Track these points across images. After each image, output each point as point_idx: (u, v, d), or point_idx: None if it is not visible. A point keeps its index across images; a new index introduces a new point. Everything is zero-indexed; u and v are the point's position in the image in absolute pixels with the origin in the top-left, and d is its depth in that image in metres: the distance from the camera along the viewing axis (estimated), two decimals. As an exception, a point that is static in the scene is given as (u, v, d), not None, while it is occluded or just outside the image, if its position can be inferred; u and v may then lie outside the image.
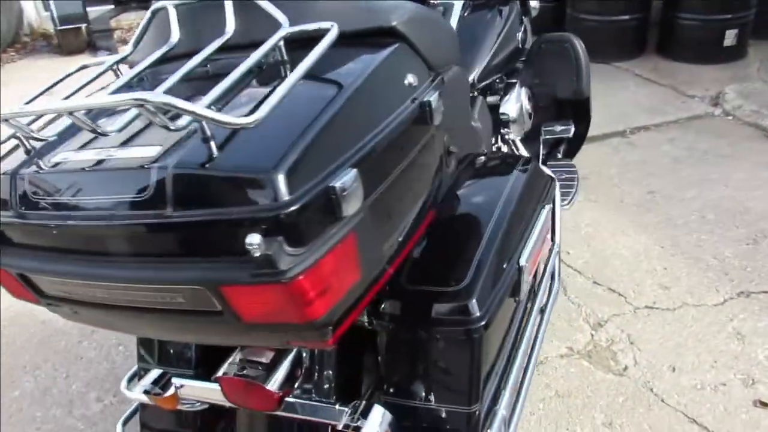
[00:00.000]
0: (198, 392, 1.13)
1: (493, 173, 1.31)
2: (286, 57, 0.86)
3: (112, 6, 6.03)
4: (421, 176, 0.94)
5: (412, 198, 0.91)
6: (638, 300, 2.14)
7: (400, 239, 0.89)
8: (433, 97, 0.91)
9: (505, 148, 2.17)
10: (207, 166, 0.68)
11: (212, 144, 0.69)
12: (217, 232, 0.67)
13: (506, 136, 2.06)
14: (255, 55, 0.80)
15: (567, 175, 2.25)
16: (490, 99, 1.99)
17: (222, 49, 0.91)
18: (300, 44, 0.91)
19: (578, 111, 2.31)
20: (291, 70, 0.79)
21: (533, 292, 1.30)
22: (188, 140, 0.73)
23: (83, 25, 5.45)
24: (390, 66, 0.88)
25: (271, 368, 1.03)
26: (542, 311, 1.39)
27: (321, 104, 0.75)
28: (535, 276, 1.31)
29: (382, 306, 1.05)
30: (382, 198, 0.80)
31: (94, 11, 5.86)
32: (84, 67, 1.04)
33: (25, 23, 5.83)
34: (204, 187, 0.68)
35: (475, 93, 1.89)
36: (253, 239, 0.63)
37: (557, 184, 1.48)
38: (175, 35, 0.96)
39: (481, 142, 1.66)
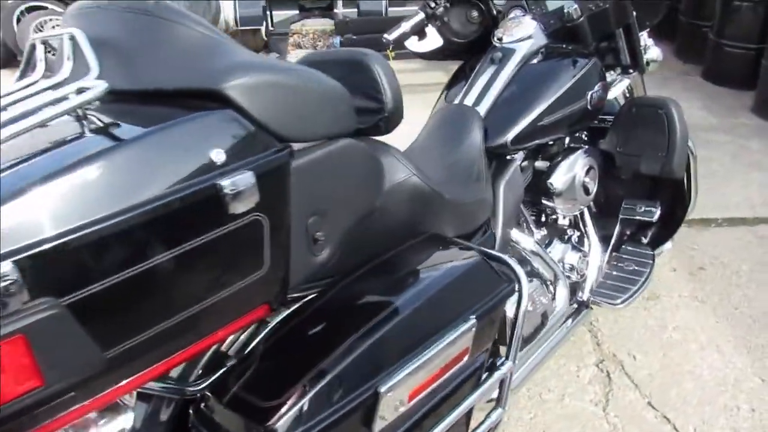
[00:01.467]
0: None
1: (409, 267, 1.09)
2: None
3: (297, 12, 6.45)
4: (210, 270, 0.77)
5: (186, 295, 0.76)
6: (695, 443, 1.68)
7: (162, 341, 0.75)
8: (230, 180, 0.74)
9: (563, 221, 1.85)
10: None
11: None
12: None
13: (555, 211, 1.74)
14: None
15: (635, 267, 1.86)
16: (539, 164, 1.70)
17: None
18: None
19: (669, 193, 1.88)
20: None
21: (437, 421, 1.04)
22: None
23: (261, 27, 5.91)
24: (176, 137, 0.74)
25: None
26: None
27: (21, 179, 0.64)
28: (446, 401, 1.05)
29: (200, 406, 0.92)
30: (104, 295, 0.67)
31: (279, 15, 6.32)
32: None
33: (222, 20, 6.48)
34: None
35: (514, 156, 1.63)
36: None
37: (526, 286, 1.18)
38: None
39: (471, 218, 1.40)
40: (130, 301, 0.70)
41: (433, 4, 1.73)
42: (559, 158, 1.70)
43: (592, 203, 1.93)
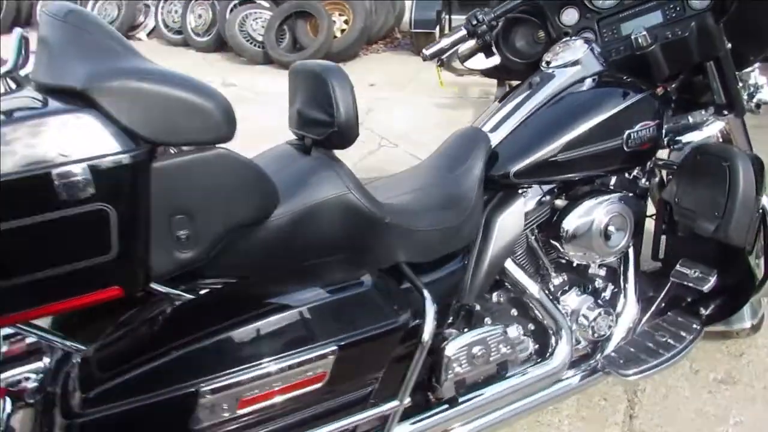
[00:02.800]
0: None
1: (293, 283, 1.09)
2: None
3: (475, 17, 6.42)
4: (47, 245, 0.87)
5: (21, 263, 0.87)
6: None
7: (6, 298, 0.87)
8: (63, 171, 0.83)
9: (595, 270, 1.66)
10: None
11: None
12: None
13: (568, 258, 1.58)
14: None
15: (669, 339, 1.61)
16: (559, 202, 1.55)
17: None
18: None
19: (726, 260, 1.58)
20: None
21: None
22: None
23: (434, 31, 6.01)
24: (34, 128, 0.84)
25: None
26: None
27: None
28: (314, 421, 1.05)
29: (77, 362, 1.05)
30: None
31: (458, 20, 6.38)
32: None
33: (404, 21, 6.75)
34: None
35: (527, 189, 1.51)
36: None
37: (431, 326, 1.11)
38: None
39: (428, 246, 1.33)
40: None
41: (474, 22, 1.66)
42: (582, 200, 1.53)
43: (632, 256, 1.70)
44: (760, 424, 1.77)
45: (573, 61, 1.57)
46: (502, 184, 1.48)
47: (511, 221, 1.47)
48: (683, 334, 1.61)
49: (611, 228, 1.51)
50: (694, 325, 1.64)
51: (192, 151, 0.96)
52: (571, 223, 1.50)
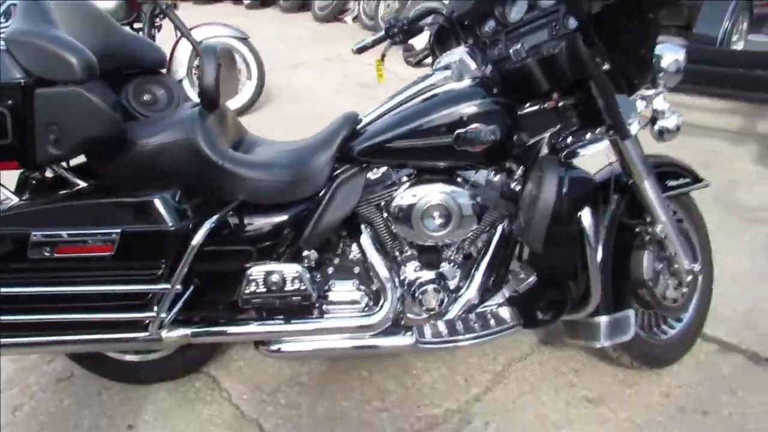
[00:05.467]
0: None
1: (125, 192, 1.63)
2: None
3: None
4: None
5: None
6: None
7: None
8: None
9: (450, 253, 1.86)
10: None
11: None
12: None
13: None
14: None
15: (474, 324, 1.78)
16: (404, 182, 1.80)
17: None
18: None
19: (542, 270, 1.68)
20: None
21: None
22: None
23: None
24: None
25: None
26: None
27: None
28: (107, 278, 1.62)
29: None
30: None
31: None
32: None
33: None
34: None
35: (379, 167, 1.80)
36: None
37: (201, 234, 1.57)
38: None
39: (263, 190, 1.72)
40: None
41: (388, 26, 1.94)
42: (418, 184, 1.75)
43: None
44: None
45: (447, 65, 1.78)
46: (353, 158, 1.78)
47: (349, 190, 1.77)
48: (493, 324, 1.73)
49: (434, 214, 1.71)
50: (512, 322, 1.74)
51: (63, 84, 1.51)
52: (398, 200, 1.74)
